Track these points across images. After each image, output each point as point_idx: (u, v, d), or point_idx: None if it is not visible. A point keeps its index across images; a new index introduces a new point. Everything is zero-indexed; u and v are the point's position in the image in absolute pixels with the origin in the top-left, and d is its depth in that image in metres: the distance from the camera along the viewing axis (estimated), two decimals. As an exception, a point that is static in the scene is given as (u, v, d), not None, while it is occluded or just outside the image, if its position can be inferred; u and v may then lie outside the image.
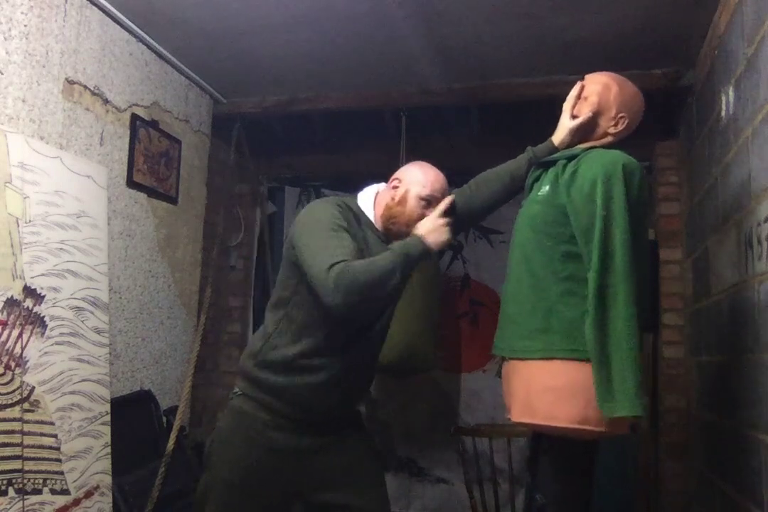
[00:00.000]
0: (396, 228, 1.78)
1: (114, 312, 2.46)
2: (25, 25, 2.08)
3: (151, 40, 2.65)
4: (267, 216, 3.65)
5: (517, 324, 1.63)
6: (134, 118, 2.61)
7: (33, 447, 1.93)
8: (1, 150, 1.95)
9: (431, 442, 3.41)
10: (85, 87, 2.35)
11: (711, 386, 2.41)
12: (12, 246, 1.95)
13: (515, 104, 2.97)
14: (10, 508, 1.83)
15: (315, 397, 1.75)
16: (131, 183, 2.60)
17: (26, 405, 1.93)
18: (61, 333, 2.10)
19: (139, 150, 2.64)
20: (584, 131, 1.75)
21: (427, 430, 3.43)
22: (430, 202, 1.77)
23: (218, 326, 3.43)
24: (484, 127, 3.25)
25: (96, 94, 2.40)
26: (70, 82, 2.28)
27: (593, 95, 1.74)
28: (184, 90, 2.98)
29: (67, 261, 2.16)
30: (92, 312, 2.24)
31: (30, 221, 2.02)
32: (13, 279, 1.94)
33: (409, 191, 1.78)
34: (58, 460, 2.02)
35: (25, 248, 1.99)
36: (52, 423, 2.02)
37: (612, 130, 1.73)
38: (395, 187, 1.82)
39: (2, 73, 2.00)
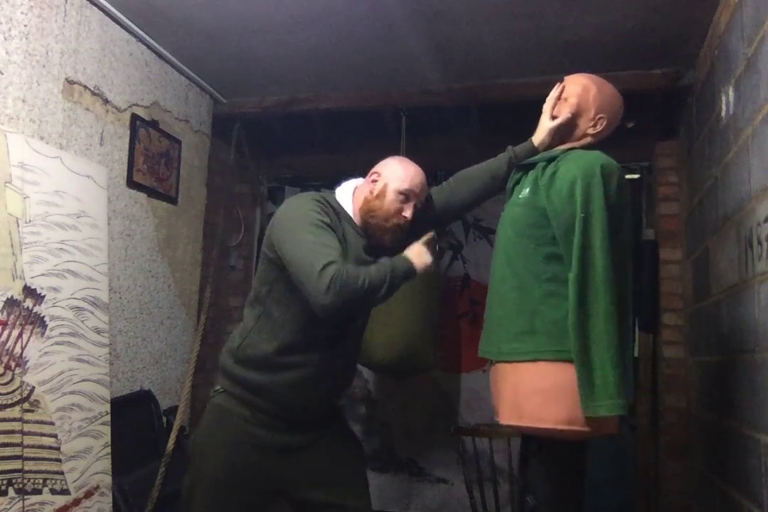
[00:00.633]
0: (374, 221, 1.78)
1: (114, 312, 2.46)
2: (25, 25, 2.08)
3: (151, 40, 2.65)
4: (267, 216, 3.65)
5: (503, 327, 1.64)
6: (134, 118, 2.61)
7: (33, 447, 1.93)
8: (1, 150, 1.95)
9: (431, 442, 3.41)
10: (85, 87, 2.35)
11: (711, 386, 2.41)
12: (12, 246, 1.95)
13: (515, 104, 2.97)
14: (10, 508, 1.83)
15: (295, 394, 1.75)
16: (131, 183, 2.60)
17: (26, 405, 1.93)
18: (61, 333, 2.10)
19: (139, 150, 2.64)
20: (564, 132, 1.77)
21: (427, 430, 3.43)
22: (408, 196, 1.77)
23: (218, 326, 3.43)
24: (484, 127, 3.25)
25: (96, 94, 2.40)
26: (70, 82, 2.28)
27: (572, 96, 1.75)
28: (184, 90, 2.98)
29: (67, 261, 2.16)
30: (92, 312, 2.24)
31: (30, 221, 2.02)
32: (13, 279, 1.94)
33: (387, 185, 1.79)
34: (58, 460, 2.02)
35: (25, 248, 1.99)
36: (52, 423, 2.02)
37: (591, 131, 1.75)
38: (374, 181, 1.82)
39: (2, 73, 2.00)
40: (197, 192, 3.11)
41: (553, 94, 1.81)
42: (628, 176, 3.46)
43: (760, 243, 1.74)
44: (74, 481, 2.07)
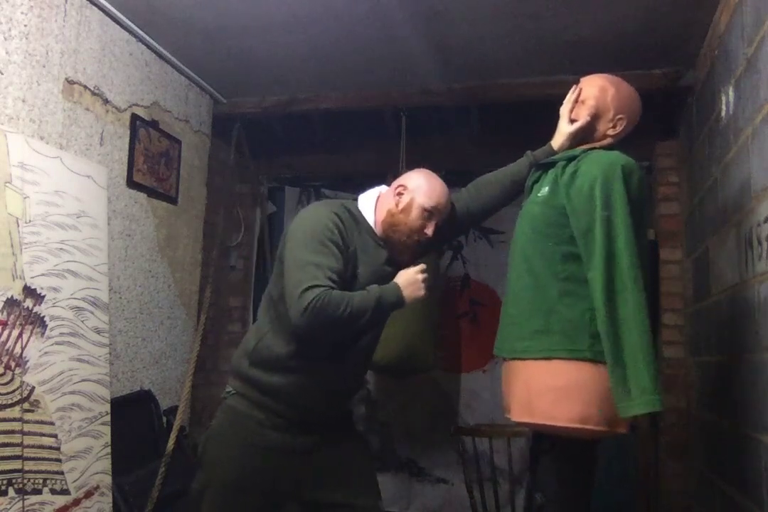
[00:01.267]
0: (396, 236, 1.77)
1: (114, 312, 2.46)
2: (25, 25, 2.08)
3: (151, 40, 2.65)
4: (267, 216, 3.65)
5: (518, 325, 1.64)
6: (134, 118, 2.61)
7: (33, 447, 1.93)
8: (1, 150, 1.95)
9: (431, 442, 3.40)
10: (85, 87, 2.35)
11: (711, 386, 2.41)
12: (12, 246, 1.95)
13: (515, 104, 2.97)
14: (10, 508, 1.83)
15: (309, 397, 1.75)
16: (131, 183, 2.60)
17: (26, 405, 1.93)
18: (61, 333, 2.10)
19: (139, 150, 2.64)
20: (583, 134, 1.76)
21: (427, 430, 3.42)
22: (432, 213, 1.77)
23: (218, 326, 3.43)
24: (484, 127, 3.25)
25: (96, 94, 2.40)
26: (70, 82, 2.28)
27: (590, 98, 1.74)
28: (184, 90, 2.98)
29: (67, 261, 2.16)
30: (92, 312, 2.24)
31: (30, 221, 2.02)
32: (13, 279, 1.94)
33: (414, 200, 1.77)
34: (58, 460, 2.02)
35: (25, 248, 1.99)
36: (52, 423, 2.02)
37: (611, 132, 1.74)
38: (400, 194, 1.80)
39: (2, 73, 2.00)
40: (197, 192, 3.11)
41: (570, 96, 1.79)
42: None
43: (760, 243, 1.74)
44: (74, 481, 2.07)
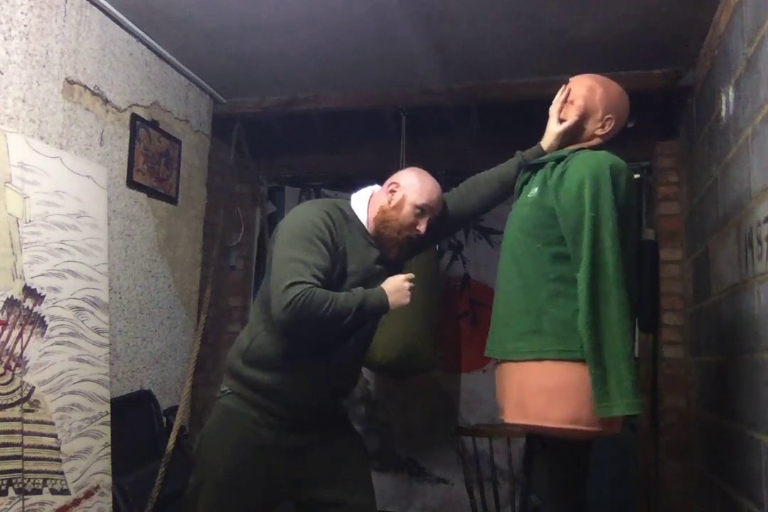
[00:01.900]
0: (387, 232, 1.78)
1: (114, 312, 2.46)
2: (25, 25, 2.08)
3: (151, 40, 2.65)
4: (267, 216, 3.65)
5: (509, 326, 1.64)
6: (134, 118, 2.61)
7: (33, 447, 1.93)
8: (1, 150, 1.95)
9: (431, 442, 3.41)
10: (85, 87, 2.35)
11: (711, 386, 2.41)
12: (12, 246, 1.95)
13: (515, 104, 2.97)
14: (10, 508, 1.83)
15: (303, 395, 1.76)
16: (131, 183, 2.60)
17: (26, 405, 1.93)
18: (61, 333, 2.10)
19: (139, 150, 2.64)
20: (572, 134, 1.76)
21: (427, 430, 3.43)
22: (424, 210, 1.78)
23: (218, 326, 3.43)
24: (484, 127, 3.25)
25: (96, 94, 2.40)
26: (70, 82, 2.28)
27: (579, 99, 1.75)
28: (184, 90, 2.98)
29: (67, 261, 2.16)
30: (92, 312, 2.24)
31: (30, 221, 2.02)
32: (13, 279, 1.94)
33: (406, 197, 1.79)
34: (58, 460, 2.02)
35: (25, 248, 1.99)
36: (52, 423, 2.02)
37: (599, 132, 1.74)
38: (392, 191, 1.82)
39: (2, 73, 2.00)
40: (197, 192, 3.11)
41: (559, 96, 1.80)
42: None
43: (760, 243, 1.74)
44: (74, 481, 2.07)
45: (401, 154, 3.12)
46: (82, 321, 2.20)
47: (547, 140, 1.81)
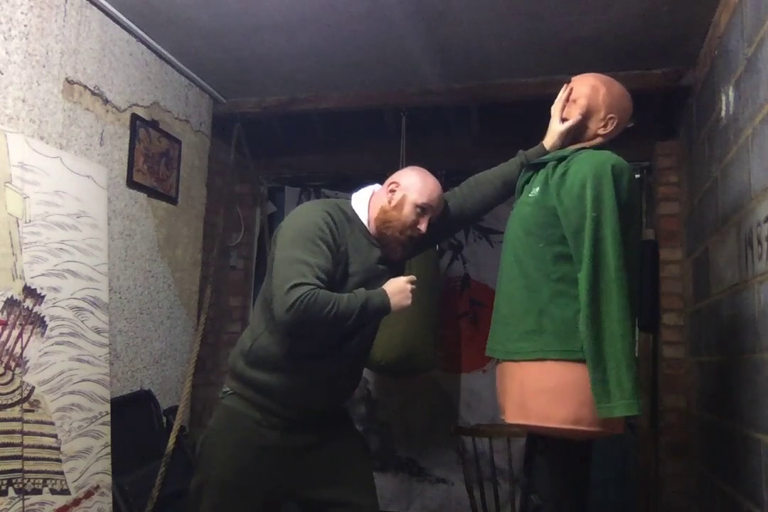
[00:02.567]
0: (389, 232, 1.77)
1: (114, 312, 2.46)
2: (25, 25, 2.08)
3: (151, 40, 2.65)
4: (267, 216, 3.65)
5: (510, 326, 1.64)
6: (134, 118, 2.61)
7: (33, 447, 1.93)
8: (1, 150, 1.95)
9: (431, 442, 3.40)
10: (85, 87, 2.35)
11: (711, 386, 2.41)
12: (12, 246, 1.95)
13: (515, 104, 2.97)
14: (10, 508, 1.83)
15: (305, 396, 1.76)
16: (131, 183, 2.60)
17: (26, 405, 1.93)
18: (61, 333, 2.10)
19: (139, 150, 2.64)
20: (574, 133, 1.76)
21: (427, 430, 3.42)
22: (425, 209, 1.78)
23: (218, 326, 3.43)
24: (484, 127, 3.25)
25: (96, 94, 2.40)
26: (70, 82, 2.28)
27: (582, 97, 1.74)
28: (184, 90, 2.98)
29: (67, 261, 2.15)
30: (92, 312, 2.24)
31: (30, 221, 2.02)
32: (13, 279, 1.94)
33: (406, 197, 1.78)
34: (58, 460, 2.02)
35: (25, 248, 1.99)
36: (52, 423, 2.02)
37: (602, 131, 1.74)
38: (392, 191, 1.81)
39: (2, 73, 2.00)
40: (197, 192, 3.11)
41: (561, 95, 1.80)
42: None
43: (760, 243, 1.74)
44: (74, 481, 2.07)
45: (401, 154, 3.12)
46: (82, 321, 2.20)
47: (550, 139, 1.80)
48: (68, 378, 2.10)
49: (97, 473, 2.17)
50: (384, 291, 1.69)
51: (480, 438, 2.85)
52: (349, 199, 1.88)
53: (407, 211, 1.77)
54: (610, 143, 1.77)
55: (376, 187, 1.90)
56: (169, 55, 2.78)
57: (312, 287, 1.58)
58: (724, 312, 2.15)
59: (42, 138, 2.14)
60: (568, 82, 1.80)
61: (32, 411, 1.95)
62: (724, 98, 2.16)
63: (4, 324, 1.89)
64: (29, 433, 1.93)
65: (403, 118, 3.14)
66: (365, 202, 1.84)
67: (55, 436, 2.02)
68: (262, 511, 1.83)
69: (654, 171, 3.18)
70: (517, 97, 2.93)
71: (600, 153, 1.65)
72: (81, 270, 2.21)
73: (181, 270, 2.97)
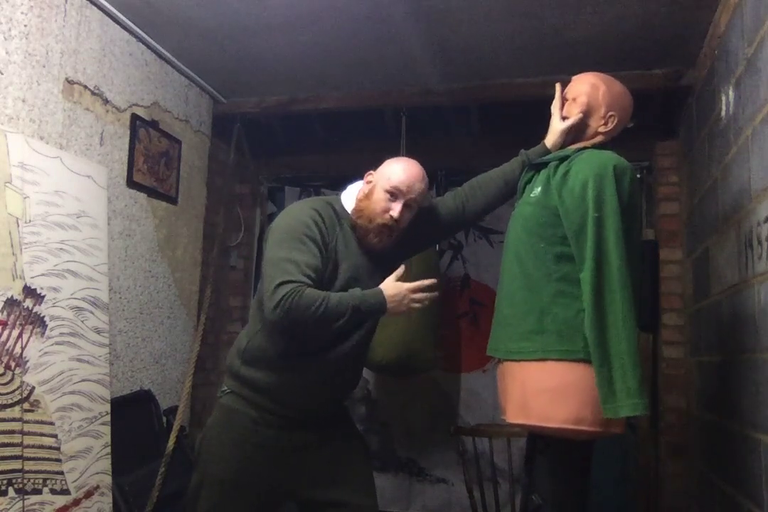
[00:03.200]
0: (360, 222, 1.76)
1: (114, 312, 2.46)
2: (25, 25, 2.08)
3: (151, 40, 2.65)
4: (267, 216, 3.65)
5: (512, 326, 1.64)
6: (134, 118, 2.61)
7: (33, 447, 1.93)
8: (1, 150, 1.95)
9: (431, 442, 3.40)
10: (85, 87, 2.35)
11: (711, 386, 2.41)
12: (12, 246, 1.95)
13: (515, 104, 2.97)
14: (10, 508, 1.83)
15: (302, 395, 1.76)
16: (131, 183, 2.60)
17: (26, 405, 1.93)
18: (61, 333, 2.10)
19: (139, 150, 2.64)
20: (575, 132, 1.77)
21: (427, 430, 3.42)
22: (394, 194, 1.74)
23: (218, 326, 3.42)
24: (484, 127, 3.25)
25: (96, 94, 2.40)
26: (70, 82, 2.28)
27: (582, 95, 1.75)
28: (184, 90, 2.98)
29: (67, 261, 2.15)
30: (92, 312, 2.24)
31: (30, 221, 2.02)
32: (13, 279, 1.94)
33: (376, 184, 1.78)
34: (58, 460, 2.02)
35: (25, 248, 1.99)
36: (52, 423, 2.02)
37: (602, 129, 1.74)
38: (368, 182, 1.82)
39: (2, 73, 2.00)
40: (197, 192, 3.11)
41: (558, 94, 1.81)
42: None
43: (760, 243, 1.74)
44: (74, 481, 2.07)
45: (401, 154, 3.12)
46: (82, 321, 2.20)
47: (551, 138, 1.81)
48: (68, 378, 2.10)
49: (97, 473, 2.17)
50: (381, 291, 1.67)
51: (480, 438, 2.85)
52: (338, 194, 1.89)
53: (376, 197, 1.75)
54: (611, 142, 1.78)
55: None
56: (169, 55, 2.78)
57: (298, 284, 1.58)
58: (724, 312, 2.15)
59: (42, 138, 2.14)
60: (565, 81, 1.81)
61: (32, 411, 1.95)
62: (724, 98, 2.16)
63: (4, 324, 1.89)
64: (29, 433, 1.93)
65: (403, 118, 3.14)
66: (352, 198, 1.84)
67: (55, 436, 2.02)
68: (260, 510, 1.83)
69: (654, 171, 3.18)
70: (517, 97, 2.93)
71: (602, 153, 1.65)
72: (81, 270, 2.21)
73: (181, 270, 2.97)
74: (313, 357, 1.74)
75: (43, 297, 2.04)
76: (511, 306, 1.66)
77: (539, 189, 1.67)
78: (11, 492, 1.84)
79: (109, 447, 2.23)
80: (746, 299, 1.87)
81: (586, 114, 1.74)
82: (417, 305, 1.67)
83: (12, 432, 1.87)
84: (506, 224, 1.79)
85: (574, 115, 1.75)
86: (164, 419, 2.73)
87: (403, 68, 2.84)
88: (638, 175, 3.26)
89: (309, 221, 1.70)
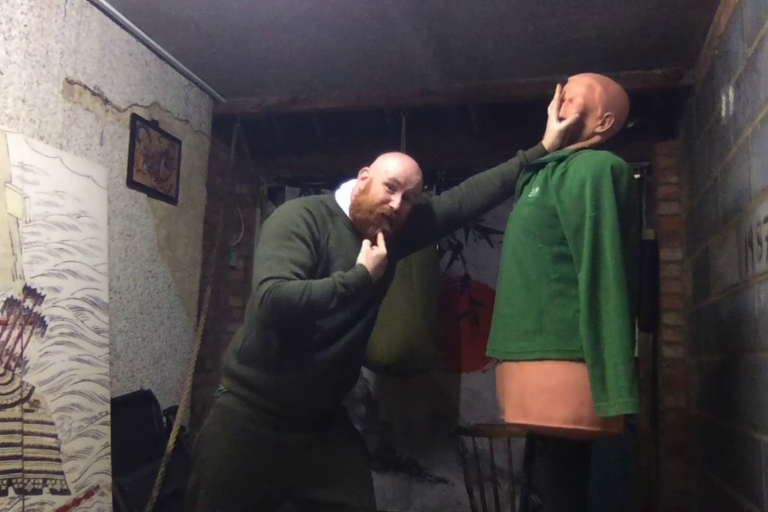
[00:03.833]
0: (360, 215, 1.78)
1: (114, 312, 2.46)
2: (25, 25, 2.08)
3: (151, 40, 2.65)
4: (267, 216, 3.64)
5: (511, 326, 1.64)
6: (134, 118, 2.61)
7: (33, 447, 1.93)
8: (1, 150, 1.95)
9: (431, 442, 3.41)
10: (85, 87, 2.35)
11: (711, 386, 2.41)
12: (12, 246, 1.95)
13: (515, 104, 2.97)
14: (10, 508, 1.83)
15: (298, 394, 1.76)
16: (131, 183, 2.60)
17: (26, 405, 1.93)
18: (61, 333, 2.10)
19: (139, 150, 2.64)
20: (572, 132, 1.77)
21: (427, 430, 3.43)
22: (392, 186, 1.76)
23: (218, 326, 3.43)
24: (484, 127, 3.25)
25: (96, 94, 2.40)
26: (70, 82, 2.28)
27: (578, 96, 1.76)
28: (184, 90, 2.98)
29: (67, 262, 2.15)
30: (92, 312, 2.24)
31: (30, 221, 2.02)
32: (13, 279, 1.94)
33: (372, 179, 1.80)
34: (58, 460, 2.02)
35: (25, 248, 1.99)
36: (52, 423, 2.02)
37: (599, 130, 1.75)
38: (363, 178, 1.84)
39: (2, 73, 2.00)
40: (197, 192, 3.11)
41: (556, 95, 1.81)
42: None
43: (760, 243, 1.74)
44: (74, 481, 2.07)
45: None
46: (82, 321, 2.20)
47: (549, 139, 1.81)
48: (68, 378, 2.10)
49: (97, 473, 2.17)
50: (360, 264, 1.69)
51: (480, 438, 2.85)
52: (334, 193, 1.91)
53: (374, 190, 1.77)
54: (610, 143, 1.78)
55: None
56: (169, 55, 2.78)
57: (279, 280, 1.59)
58: (724, 312, 2.15)
59: (42, 138, 2.14)
60: (563, 82, 1.82)
61: (32, 411, 1.95)
62: (724, 98, 2.16)
63: (4, 324, 1.89)
64: (29, 433, 1.93)
65: (403, 118, 3.14)
66: (347, 195, 1.85)
67: (55, 436, 2.02)
68: (258, 510, 1.82)
69: (654, 171, 3.18)
70: (517, 97, 2.93)
71: (599, 153, 1.65)
72: (81, 270, 2.21)
73: (181, 270, 2.97)
74: (309, 355, 1.74)
75: (43, 297, 2.04)
76: (509, 307, 1.66)
77: (537, 189, 1.68)
78: (11, 492, 1.84)
79: (109, 447, 2.23)
80: (746, 299, 1.87)
81: (583, 114, 1.75)
82: (383, 250, 1.71)
83: (12, 432, 1.87)
84: (506, 224, 1.80)
85: (571, 115, 1.75)
86: (164, 419, 2.73)
87: (403, 68, 2.84)
88: (637, 175, 3.30)
89: (297, 219, 1.71)
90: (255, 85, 3.09)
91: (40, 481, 1.94)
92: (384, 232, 1.76)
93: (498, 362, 1.73)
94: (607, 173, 1.56)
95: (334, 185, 3.61)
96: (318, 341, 1.74)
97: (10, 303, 1.92)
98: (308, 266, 1.67)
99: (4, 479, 1.82)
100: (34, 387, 1.97)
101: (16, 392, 1.91)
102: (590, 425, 1.52)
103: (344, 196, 1.86)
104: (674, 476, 2.90)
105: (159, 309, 2.79)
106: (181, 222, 2.97)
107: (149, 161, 2.71)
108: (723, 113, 2.17)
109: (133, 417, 2.54)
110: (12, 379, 1.90)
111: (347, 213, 1.82)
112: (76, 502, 2.07)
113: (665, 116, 3.06)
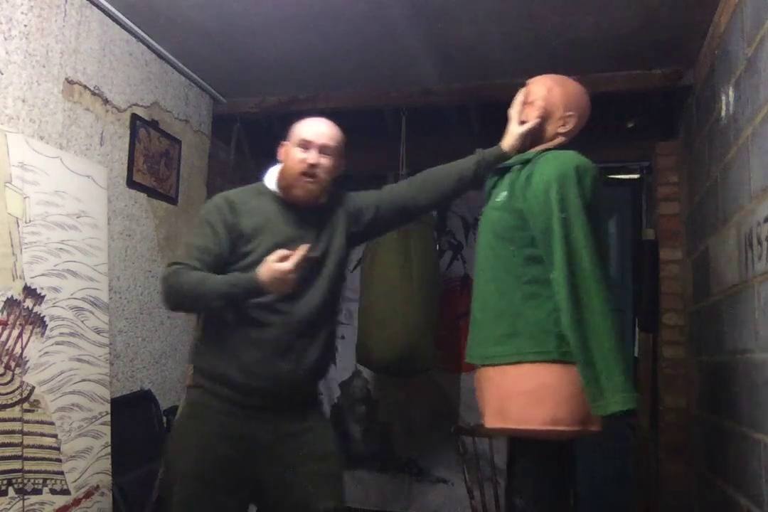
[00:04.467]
0: (285, 182, 1.82)
1: (114, 312, 2.46)
2: (25, 25, 2.08)
3: (151, 40, 2.65)
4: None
5: (486, 330, 1.65)
6: (134, 118, 2.61)
7: (33, 447, 1.93)
8: (1, 150, 1.95)
9: (431, 442, 3.40)
10: (85, 87, 2.35)
11: (711, 386, 2.41)
12: (12, 246, 1.95)
13: (515, 104, 2.97)
14: (10, 508, 1.83)
15: (253, 377, 1.73)
16: (131, 183, 2.60)
17: (26, 405, 1.93)
18: (61, 333, 2.10)
19: (139, 150, 2.64)
20: (535, 134, 1.77)
21: (427, 430, 3.43)
22: (304, 145, 1.80)
23: (218, 326, 3.42)
24: (484, 127, 3.25)
25: (96, 94, 2.40)
26: (70, 82, 2.28)
27: (538, 99, 1.76)
28: (184, 90, 2.98)
29: (67, 262, 2.15)
30: (92, 312, 2.24)
31: (30, 221, 2.02)
32: (13, 279, 1.94)
33: (288, 148, 1.84)
34: (58, 460, 2.02)
35: (25, 248, 1.99)
36: (52, 423, 2.02)
37: (562, 130, 1.75)
38: (283, 153, 1.88)
39: (2, 73, 2.00)
40: (197, 192, 3.11)
41: (518, 98, 1.82)
42: (627, 176, 3.46)
43: (760, 243, 1.74)
44: (74, 481, 2.07)
45: (401, 154, 3.12)
46: (82, 321, 2.20)
47: (508, 140, 1.82)
48: (68, 378, 2.10)
49: (97, 473, 2.17)
50: (255, 274, 1.66)
51: (480, 438, 2.85)
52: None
53: (291, 155, 1.81)
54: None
55: None
56: (169, 55, 2.78)
57: (179, 266, 1.70)
58: (724, 312, 2.15)
59: (42, 138, 2.14)
60: (525, 85, 1.82)
61: (32, 411, 1.95)
62: (724, 98, 2.16)
63: (4, 324, 1.89)
64: (29, 433, 1.93)
65: (403, 118, 3.15)
66: (274, 175, 1.88)
67: (55, 436, 2.02)
68: (233, 503, 1.77)
69: (654, 171, 3.18)
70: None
71: (563, 153, 1.65)
72: (81, 270, 2.21)
73: (181, 270, 2.96)
74: (258, 329, 1.73)
75: (43, 297, 2.04)
76: (484, 312, 1.66)
77: (504, 193, 1.68)
78: (11, 492, 1.84)
79: (109, 447, 2.23)
80: (746, 299, 1.87)
81: (544, 117, 1.74)
82: (292, 276, 1.64)
83: (12, 432, 1.87)
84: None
85: (532, 119, 1.75)
86: (164, 419, 2.73)
87: (403, 68, 2.84)
88: (637, 175, 3.30)
89: (211, 207, 1.81)
90: (255, 85, 3.09)
91: (40, 481, 1.94)
92: (309, 192, 1.79)
93: (477, 367, 1.73)
94: (571, 174, 1.56)
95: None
96: (259, 317, 1.73)
97: (10, 303, 1.92)
98: (213, 250, 1.74)
99: (4, 479, 1.82)
100: (34, 387, 1.97)
101: (16, 392, 1.91)
102: (569, 425, 1.52)
103: (271, 176, 1.90)
104: (674, 476, 2.90)
105: (159, 309, 2.78)
106: (181, 222, 2.97)
107: (149, 161, 2.71)
108: (723, 113, 2.17)
109: (133, 417, 2.54)
110: (12, 379, 1.90)
111: (274, 189, 1.86)
112: (76, 502, 2.07)
113: (665, 116, 3.06)
